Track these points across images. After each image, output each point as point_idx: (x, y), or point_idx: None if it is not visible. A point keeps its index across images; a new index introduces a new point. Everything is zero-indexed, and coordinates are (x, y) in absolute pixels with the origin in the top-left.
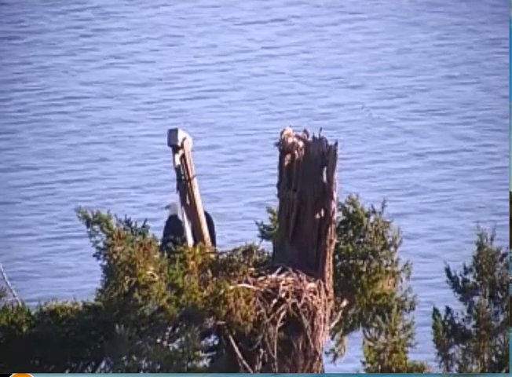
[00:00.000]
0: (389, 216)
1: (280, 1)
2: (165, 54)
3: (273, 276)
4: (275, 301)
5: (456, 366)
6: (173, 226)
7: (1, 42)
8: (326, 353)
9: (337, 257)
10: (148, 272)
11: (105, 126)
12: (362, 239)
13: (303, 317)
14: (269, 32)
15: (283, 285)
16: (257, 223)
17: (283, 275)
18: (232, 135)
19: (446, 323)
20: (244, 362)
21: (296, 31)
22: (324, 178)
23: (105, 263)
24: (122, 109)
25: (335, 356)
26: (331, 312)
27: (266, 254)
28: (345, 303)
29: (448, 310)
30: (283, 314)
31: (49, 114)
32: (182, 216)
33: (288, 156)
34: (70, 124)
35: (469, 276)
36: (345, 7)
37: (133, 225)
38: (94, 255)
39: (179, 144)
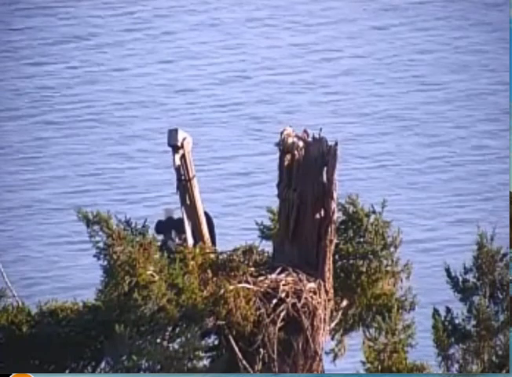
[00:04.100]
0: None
1: None
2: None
3: (273, 276)
4: (275, 301)
5: (456, 366)
6: (168, 223)
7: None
8: (326, 353)
9: (337, 257)
10: (148, 272)
11: None
12: (362, 239)
13: (303, 317)
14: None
15: (283, 285)
16: (257, 223)
17: (283, 275)
18: None
19: (446, 323)
20: (244, 362)
21: None
22: (324, 178)
23: (105, 263)
24: None
25: (335, 356)
26: (331, 312)
27: (266, 254)
28: (345, 303)
29: (448, 310)
30: (283, 314)
31: None
32: (182, 216)
33: (288, 156)
34: None
35: (469, 276)
36: None
37: (133, 225)
38: (94, 255)
39: (179, 144)
